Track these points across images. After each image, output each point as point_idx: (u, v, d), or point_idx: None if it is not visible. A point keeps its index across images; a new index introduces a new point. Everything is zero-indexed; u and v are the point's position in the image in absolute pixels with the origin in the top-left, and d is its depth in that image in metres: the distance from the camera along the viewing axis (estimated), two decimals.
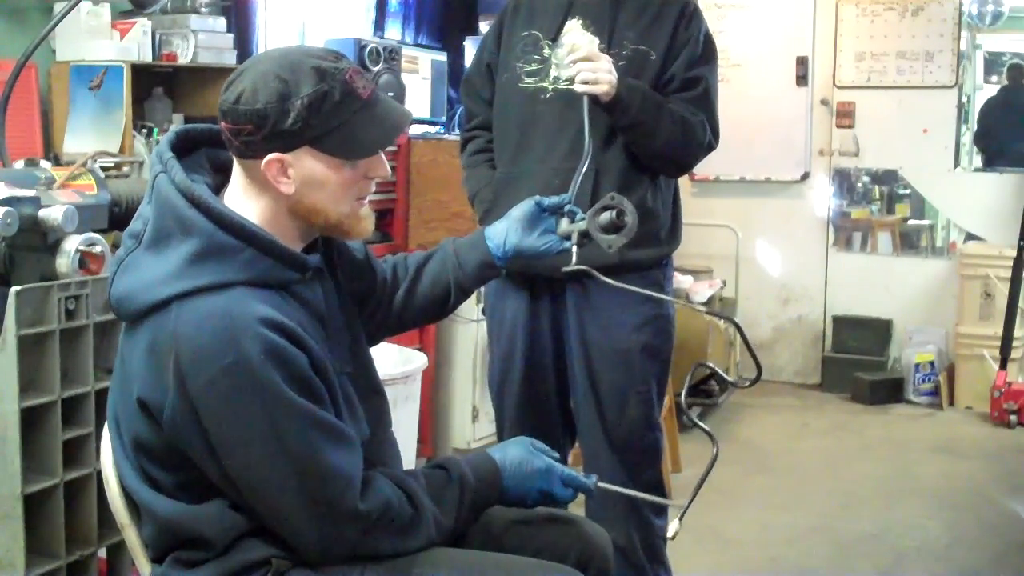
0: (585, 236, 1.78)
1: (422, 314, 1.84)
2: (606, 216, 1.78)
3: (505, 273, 2.41)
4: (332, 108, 1.44)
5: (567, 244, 1.79)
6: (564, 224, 1.80)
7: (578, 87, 2.18)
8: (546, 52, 2.34)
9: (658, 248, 2.40)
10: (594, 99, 2.18)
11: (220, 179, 1.54)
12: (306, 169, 1.46)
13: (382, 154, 1.54)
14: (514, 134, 2.40)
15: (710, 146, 2.38)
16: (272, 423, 1.38)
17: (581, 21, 2.28)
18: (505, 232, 1.78)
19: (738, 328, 1.81)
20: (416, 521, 1.51)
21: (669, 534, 1.71)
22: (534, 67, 2.36)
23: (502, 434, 2.55)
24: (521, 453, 1.64)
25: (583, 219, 1.79)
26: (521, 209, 1.79)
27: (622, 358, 2.36)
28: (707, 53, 2.38)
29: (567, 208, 1.80)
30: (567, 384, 2.46)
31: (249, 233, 1.44)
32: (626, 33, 2.32)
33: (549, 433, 2.43)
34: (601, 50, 2.28)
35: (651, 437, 2.44)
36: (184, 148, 1.54)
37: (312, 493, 1.41)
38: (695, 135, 2.32)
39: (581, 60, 2.17)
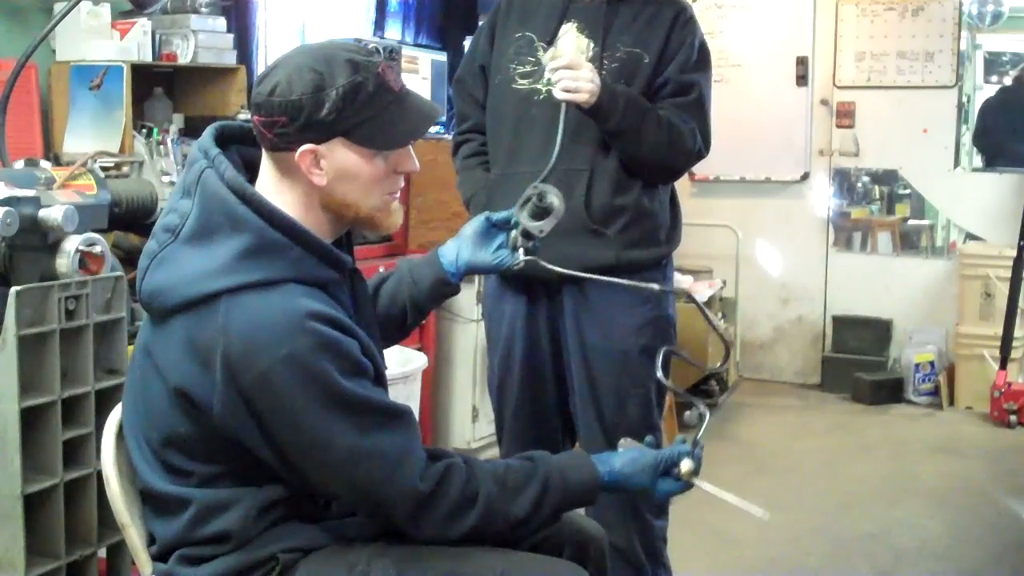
0: (526, 235, 1.78)
1: (382, 333, 1.82)
2: (530, 205, 1.79)
3: (503, 276, 2.43)
4: (366, 99, 1.46)
5: (519, 257, 1.79)
6: (514, 234, 1.80)
7: (558, 94, 2.18)
8: (540, 54, 2.34)
9: (657, 248, 2.40)
10: (577, 106, 2.19)
11: (248, 176, 1.55)
12: (338, 160, 1.48)
13: (411, 149, 1.56)
14: (508, 136, 2.40)
15: (700, 154, 2.37)
16: (324, 414, 1.40)
17: (576, 24, 2.28)
18: (457, 249, 1.80)
19: (695, 302, 1.81)
20: (470, 503, 1.50)
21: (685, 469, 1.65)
22: (528, 69, 2.36)
23: (502, 437, 2.55)
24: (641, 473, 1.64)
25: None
26: (472, 226, 1.81)
27: (621, 359, 2.36)
28: (701, 60, 2.38)
29: (514, 220, 1.80)
30: (566, 386, 2.46)
31: (299, 232, 1.46)
32: (620, 36, 2.32)
33: (549, 435, 2.43)
34: (596, 53, 2.28)
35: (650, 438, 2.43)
36: (219, 144, 1.55)
37: (364, 475, 1.44)
38: (683, 143, 2.32)
39: (562, 68, 2.17)
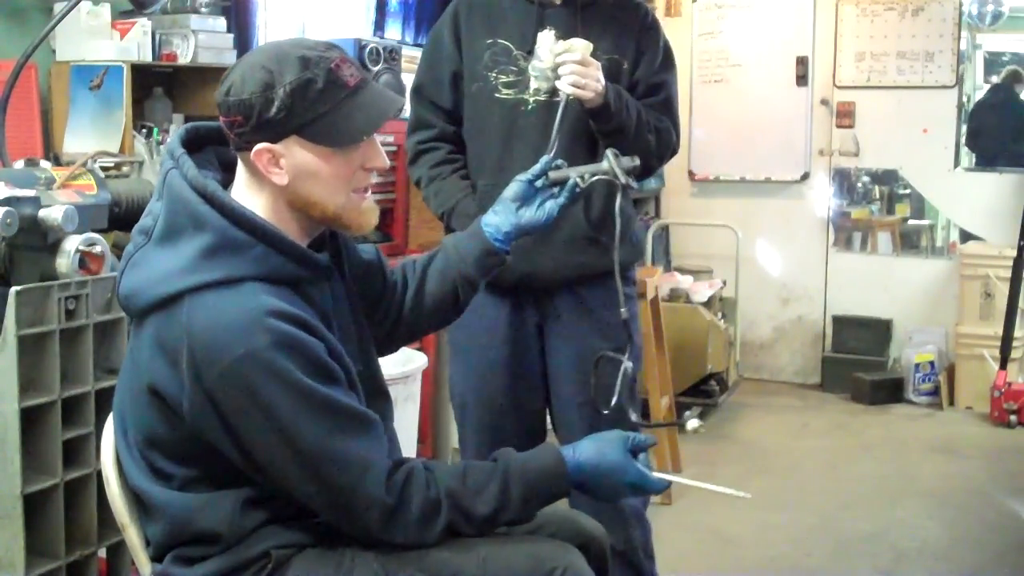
0: (584, 177, 1.81)
1: (435, 315, 1.83)
2: (628, 160, 1.83)
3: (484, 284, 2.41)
4: (315, 96, 1.44)
5: (562, 199, 1.80)
6: (554, 173, 1.81)
7: (565, 88, 2.16)
8: (521, 64, 2.32)
9: (633, 249, 2.48)
10: (578, 103, 2.19)
11: (227, 177, 1.55)
12: (296, 159, 1.47)
13: (379, 144, 1.54)
14: (496, 147, 2.36)
15: (675, 150, 2.46)
16: (288, 412, 1.40)
17: (554, 32, 2.26)
18: (502, 215, 1.79)
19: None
20: (435, 508, 1.49)
21: (689, 427, 1.70)
22: (511, 78, 2.34)
23: (466, 446, 2.50)
24: (605, 455, 1.58)
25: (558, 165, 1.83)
26: (512, 190, 1.81)
27: (615, 359, 2.33)
28: (667, 60, 2.44)
29: (554, 164, 1.82)
30: (544, 390, 2.44)
31: (261, 229, 1.45)
32: (599, 43, 2.30)
33: (536, 440, 2.41)
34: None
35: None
36: (193, 146, 1.55)
37: (330, 480, 1.43)
38: (667, 139, 2.39)
39: (574, 63, 2.16)
